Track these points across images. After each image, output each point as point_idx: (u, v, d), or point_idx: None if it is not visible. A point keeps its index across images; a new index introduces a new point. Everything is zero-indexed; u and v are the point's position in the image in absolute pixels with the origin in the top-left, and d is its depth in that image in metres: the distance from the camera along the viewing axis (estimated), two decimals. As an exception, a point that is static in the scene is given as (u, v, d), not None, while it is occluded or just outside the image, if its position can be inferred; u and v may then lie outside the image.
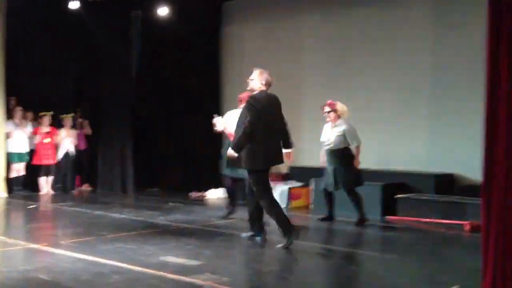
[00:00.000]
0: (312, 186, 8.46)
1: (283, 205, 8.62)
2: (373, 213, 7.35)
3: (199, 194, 9.91)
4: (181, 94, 10.55)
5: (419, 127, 8.41)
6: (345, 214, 7.14)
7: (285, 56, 9.82)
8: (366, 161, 7.31)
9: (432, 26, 8.30)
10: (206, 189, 9.89)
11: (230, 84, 10.44)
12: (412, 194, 7.72)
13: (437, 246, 5.96)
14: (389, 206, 7.59)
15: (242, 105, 7.00)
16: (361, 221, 6.90)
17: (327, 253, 5.58)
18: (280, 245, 5.34)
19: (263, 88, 5.53)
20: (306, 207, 8.62)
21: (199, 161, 10.44)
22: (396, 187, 7.85)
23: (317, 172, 7.79)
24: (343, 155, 6.96)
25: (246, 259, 5.12)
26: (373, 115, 8.61)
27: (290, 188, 8.77)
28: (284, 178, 9.27)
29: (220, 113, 10.38)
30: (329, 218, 7.18)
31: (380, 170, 8.26)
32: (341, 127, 6.96)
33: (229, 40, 10.65)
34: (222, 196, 9.49)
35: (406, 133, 8.51)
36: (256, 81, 5.57)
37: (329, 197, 7.19)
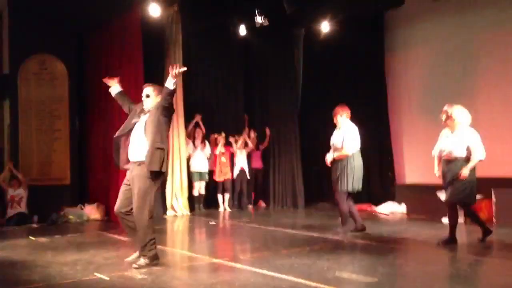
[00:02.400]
0: (493, 197, 7.84)
1: (460, 220, 8.16)
2: None
3: (371, 207, 9.79)
4: (347, 105, 10.51)
5: None
6: None
7: (455, 59, 9.34)
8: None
9: None
10: (376, 202, 9.73)
11: (395, 90, 10.22)
12: None
13: None
14: None
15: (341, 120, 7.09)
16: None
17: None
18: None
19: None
20: (488, 221, 8.01)
21: (368, 174, 10.31)
22: None
23: (498, 182, 7.23)
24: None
25: (423, 277, 4.90)
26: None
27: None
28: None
29: (388, 124, 10.23)
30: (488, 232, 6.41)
31: None
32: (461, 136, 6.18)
33: (393, 46, 10.40)
34: (396, 210, 9.27)
35: None
36: (154, 99, 5.41)
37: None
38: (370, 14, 10.07)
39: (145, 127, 5.33)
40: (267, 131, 11.17)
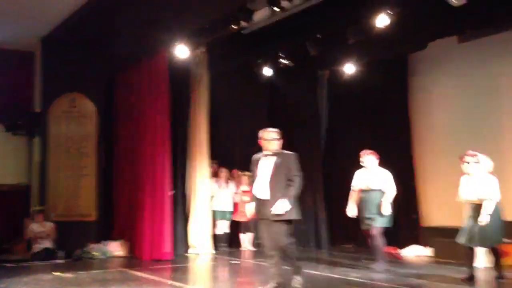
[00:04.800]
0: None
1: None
2: None
3: (396, 250, 9.63)
4: (372, 146, 10.51)
5: None
6: None
7: (479, 101, 9.31)
8: None
9: None
10: (402, 245, 9.58)
11: (420, 131, 10.20)
12: None
13: None
14: None
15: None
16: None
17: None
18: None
19: None
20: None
21: (394, 216, 10.19)
22: None
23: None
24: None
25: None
26: None
27: (496, 245, 8.06)
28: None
29: (413, 166, 10.17)
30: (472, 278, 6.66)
31: None
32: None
33: (417, 88, 10.41)
34: (422, 253, 9.11)
35: None
36: (278, 143, 6.19)
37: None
38: (394, 57, 10.13)
39: (274, 173, 6.00)
40: None
